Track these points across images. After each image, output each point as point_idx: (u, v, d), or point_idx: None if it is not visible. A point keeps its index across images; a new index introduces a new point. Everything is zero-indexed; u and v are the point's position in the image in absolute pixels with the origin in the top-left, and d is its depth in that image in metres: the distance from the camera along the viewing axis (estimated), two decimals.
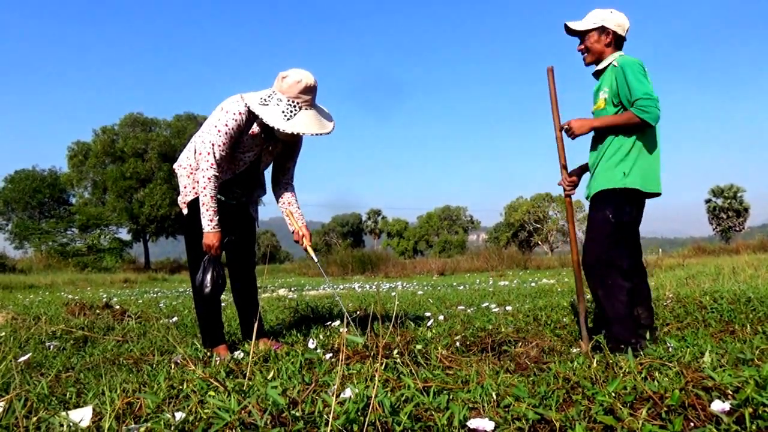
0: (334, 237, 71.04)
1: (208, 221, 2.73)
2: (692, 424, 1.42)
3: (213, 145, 2.70)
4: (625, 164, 2.66)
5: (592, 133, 2.80)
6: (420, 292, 7.78)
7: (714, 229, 53.44)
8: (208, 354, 2.83)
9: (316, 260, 3.21)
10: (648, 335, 2.68)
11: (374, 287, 10.21)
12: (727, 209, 52.35)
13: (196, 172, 2.82)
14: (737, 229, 51.81)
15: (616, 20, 2.73)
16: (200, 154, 2.74)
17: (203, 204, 2.72)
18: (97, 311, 4.97)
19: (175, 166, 2.97)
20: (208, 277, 2.75)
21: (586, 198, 2.82)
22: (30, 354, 2.83)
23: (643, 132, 2.66)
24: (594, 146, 2.83)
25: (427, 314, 4.01)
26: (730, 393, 1.51)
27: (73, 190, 41.57)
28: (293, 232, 3.09)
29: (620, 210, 2.68)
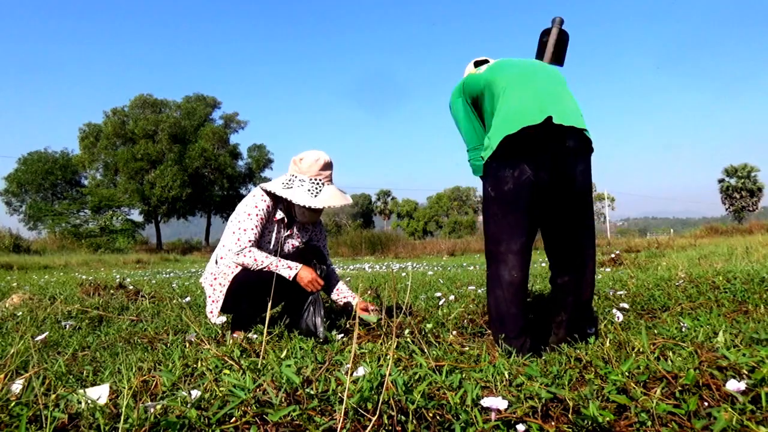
0: (343, 218, 71.17)
1: (286, 269, 2.66)
2: (707, 403, 1.42)
3: (244, 230, 2.68)
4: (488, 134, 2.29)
5: None
6: (430, 273, 7.80)
7: (727, 209, 52.95)
8: (221, 333, 2.85)
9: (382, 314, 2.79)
10: (556, 340, 2.30)
11: (384, 268, 10.24)
12: (740, 189, 51.78)
13: (222, 262, 2.83)
14: (751, 209, 51.28)
15: None
16: (227, 242, 2.73)
17: (267, 267, 2.65)
18: (111, 291, 5.03)
19: (201, 280, 3.00)
20: (319, 321, 2.66)
21: None
22: (47, 333, 2.87)
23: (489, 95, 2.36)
24: None
25: (438, 294, 4.02)
26: (745, 373, 1.50)
27: (85, 171, 42.00)
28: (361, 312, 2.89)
29: (497, 178, 2.20)
